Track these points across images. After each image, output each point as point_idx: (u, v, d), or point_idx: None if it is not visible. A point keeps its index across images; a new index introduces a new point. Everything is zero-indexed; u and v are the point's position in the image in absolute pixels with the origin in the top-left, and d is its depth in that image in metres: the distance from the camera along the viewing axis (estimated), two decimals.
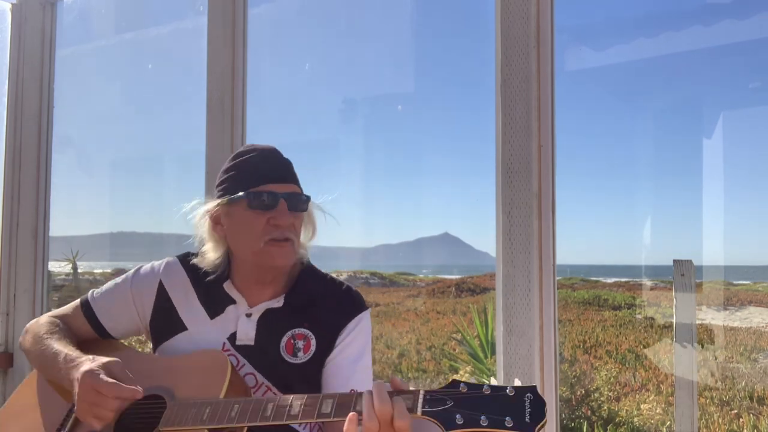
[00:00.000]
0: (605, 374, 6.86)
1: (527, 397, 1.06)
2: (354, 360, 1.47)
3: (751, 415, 5.94)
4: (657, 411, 6.37)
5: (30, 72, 3.00)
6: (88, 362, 1.34)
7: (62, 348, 1.44)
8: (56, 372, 1.41)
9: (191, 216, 1.51)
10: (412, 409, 1.09)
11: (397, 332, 11.30)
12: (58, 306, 1.66)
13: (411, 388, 1.14)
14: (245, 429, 1.26)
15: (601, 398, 5.85)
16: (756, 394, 6.47)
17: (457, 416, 1.05)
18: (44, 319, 1.58)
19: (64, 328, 1.55)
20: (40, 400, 1.52)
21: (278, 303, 1.49)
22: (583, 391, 5.74)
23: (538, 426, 1.03)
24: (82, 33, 3.65)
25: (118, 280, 1.60)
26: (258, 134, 2.58)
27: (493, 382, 2.11)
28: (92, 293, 1.61)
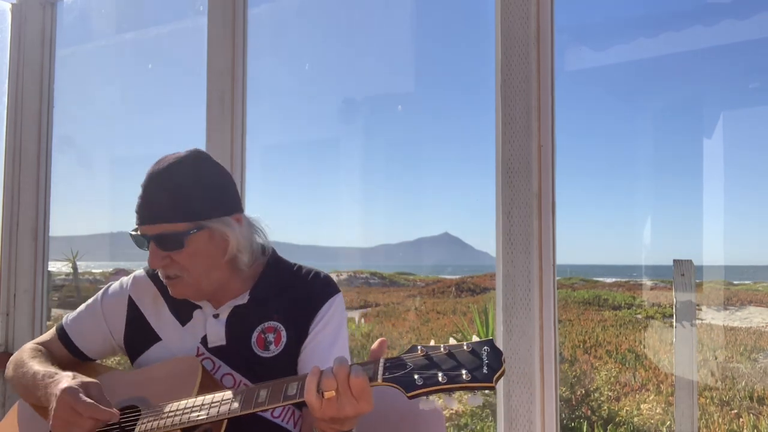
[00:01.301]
0: (605, 374, 6.85)
1: (484, 350, 1.06)
2: (329, 344, 1.45)
3: (751, 415, 5.93)
4: (657, 411, 6.36)
5: (30, 72, 3.00)
6: (68, 379, 1.33)
7: (41, 368, 1.43)
8: (36, 391, 1.40)
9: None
10: (373, 378, 1.09)
11: (397, 332, 11.29)
12: (58, 306, 1.66)
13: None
14: (224, 424, 1.26)
15: (601, 398, 5.85)
16: (756, 394, 6.46)
17: (416, 377, 1.06)
18: (27, 346, 1.59)
19: (46, 353, 1.55)
20: (21, 428, 1.51)
21: (243, 300, 1.48)
22: (583, 391, 5.74)
23: (496, 375, 1.03)
24: (82, 33, 3.66)
25: (89, 301, 1.61)
26: (258, 134, 2.58)
27: None
28: (66, 318, 1.61)
